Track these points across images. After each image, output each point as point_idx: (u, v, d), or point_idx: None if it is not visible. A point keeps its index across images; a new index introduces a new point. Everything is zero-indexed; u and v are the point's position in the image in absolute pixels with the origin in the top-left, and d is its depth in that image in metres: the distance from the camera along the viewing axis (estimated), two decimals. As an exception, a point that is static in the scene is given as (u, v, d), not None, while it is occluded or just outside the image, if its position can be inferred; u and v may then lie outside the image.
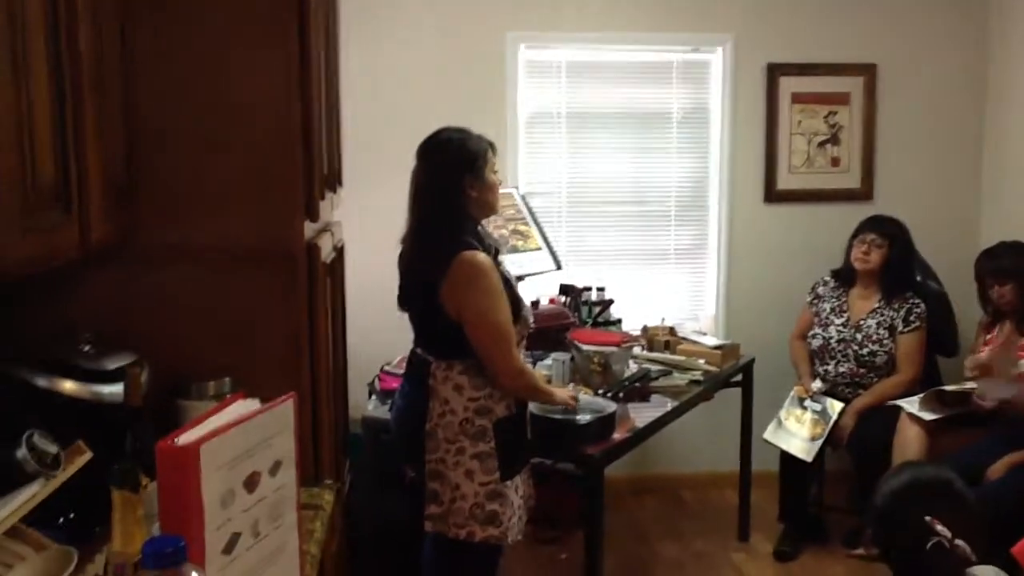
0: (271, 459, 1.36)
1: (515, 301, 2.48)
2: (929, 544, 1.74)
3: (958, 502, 1.86)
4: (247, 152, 1.87)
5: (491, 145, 2.52)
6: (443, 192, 2.43)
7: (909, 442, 3.44)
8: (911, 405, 3.50)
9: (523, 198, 3.82)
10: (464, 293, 2.37)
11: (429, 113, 4.00)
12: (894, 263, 3.80)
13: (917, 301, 3.79)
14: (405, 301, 2.56)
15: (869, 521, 1.91)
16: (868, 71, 4.39)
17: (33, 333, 1.77)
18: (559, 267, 3.72)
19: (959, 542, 1.73)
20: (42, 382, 1.55)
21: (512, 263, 3.43)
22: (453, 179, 2.43)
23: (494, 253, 2.50)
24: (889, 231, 3.83)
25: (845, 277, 3.94)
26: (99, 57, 1.57)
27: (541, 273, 3.69)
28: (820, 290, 4.01)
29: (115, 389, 1.59)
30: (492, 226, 3.41)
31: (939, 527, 1.74)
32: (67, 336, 1.73)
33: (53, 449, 1.40)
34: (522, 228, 3.69)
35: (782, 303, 4.27)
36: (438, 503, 2.48)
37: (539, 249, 3.67)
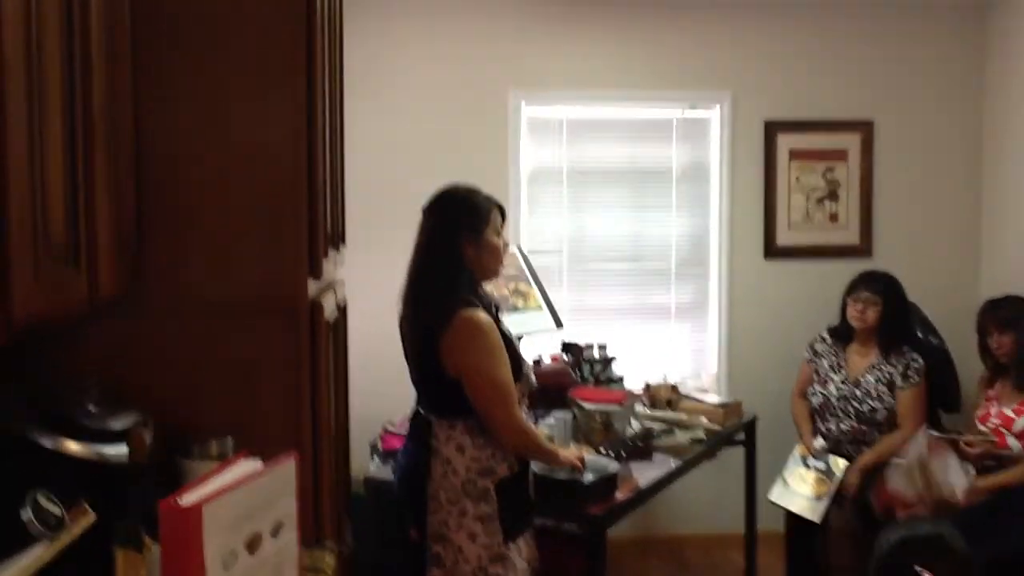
0: (273, 520, 1.36)
1: (516, 359, 2.47)
2: None
3: (948, 553, 1.87)
4: (252, 207, 1.88)
5: (500, 207, 2.54)
6: (441, 248, 2.45)
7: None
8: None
9: (524, 257, 3.84)
10: (464, 352, 2.36)
11: (432, 170, 4.05)
12: (890, 319, 3.81)
13: (915, 356, 3.79)
14: (407, 358, 2.56)
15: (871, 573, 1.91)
16: (865, 128, 4.45)
17: (36, 385, 1.78)
18: (559, 326, 3.73)
19: None
20: (47, 442, 1.54)
21: (513, 323, 3.44)
22: (451, 236, 2.44)
23: (494, 310, 2.51)
24: (882, 288, 3.83)
25: (842, 334, 3.94)
26: (111, 114, 1.60)
27: (541, 332, 3.70)
28: (818, 347, 4.01)
29: (119, 450, 1.59)
30: (492, 285, 3.44)
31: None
32: (71, 391, 1.72)
33: (57, 511, 1.39)
34: (523, 288, 3.71)
35: (783, 359, 4.26)
36: (440, 567, 2.45)
37: (539, 308, 3.68)
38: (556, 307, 3.78)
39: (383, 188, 4.06)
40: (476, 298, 2.44)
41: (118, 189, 1.64)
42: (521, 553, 2.50)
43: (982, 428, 3.56)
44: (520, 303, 3.64)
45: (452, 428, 2.45)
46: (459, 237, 2.44)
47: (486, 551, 2.42)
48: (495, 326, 2.42)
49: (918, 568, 1.76)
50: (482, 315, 2.38)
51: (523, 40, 4.25)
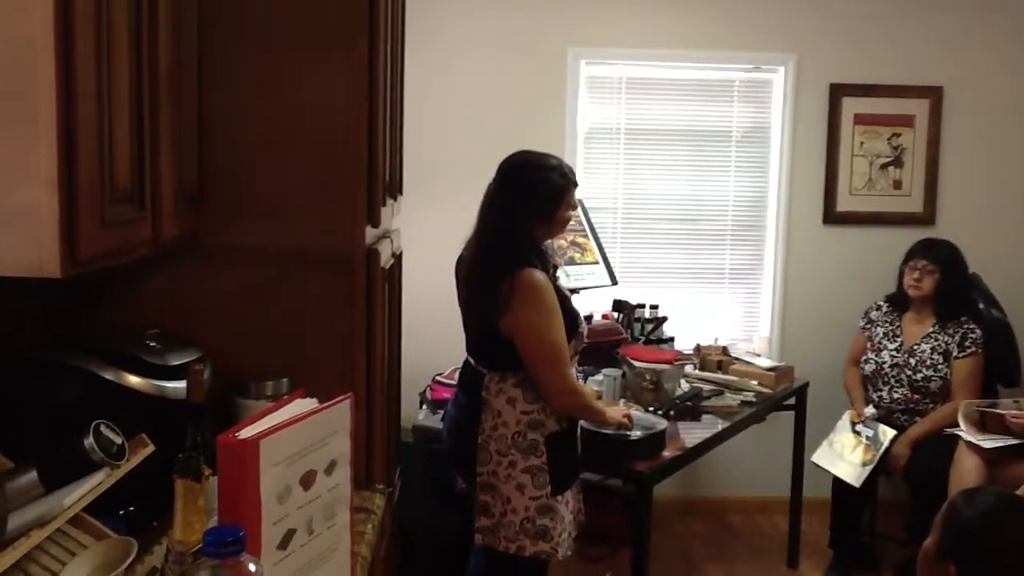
0: (327, 458, 1.39)
1: (571, 318, 2.47)
2: None
3: None
4: (312, 158, 1.91)
5: (574, 180, 2.50)
6: (511, 224, 2.43)
7: (967, 472, 3.36)
8: (969, 434, 3.42)
9: (584, 211, 3.82)
10: (519, 311, 2.36)
11: (489, 125, 4.08)
12: (947, 288, 3.73)
13: (973, 326, 3.71)
14: (462, 308, 2.57)
15: (947, 544, 1.83)
16: (934, 93, 4.33)
17: (102, 326, 1.83)
18: (614, 283, 3.71)
19: None
20: (109, 375, 1.59)
21: (568, 275, 3.44)
22: (523, 217, 2.43)
23: (552, 269, 2.50)
24: (940, 256, 3.75)
25: (899, 302, 3.88)
26: (176, 69, 1.63)
27: (596, 288, 3.69)
28: (873, 315, 3.95)
29: (178, 385, 1.63)
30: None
31: None
32: (133, 331, 1.77)
33: (118, 440, 1.44)
34: (581, 240, 3.69)
35: (838, 327, 4.21)
36: (489, 516, 2.49)
37: (596, 263, 3.67)
38: (612, 264, 3.76)
39: (440, 141, 4.06)
40: (536, 257, 2.43)
41: (181, 140, 1.67)
42: (568, 506, 2.53)
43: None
44: (577, 255, 3.63)
45: (503, 381, 2.47)
46: (530, 218, 2.44)
47: (534, 502, 2.44)
48: (552, 286, 2.42)
49: None
50: (539, 275, 2.37)
51: (584, -4, 4.19)
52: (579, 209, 3.76)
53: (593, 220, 3.96)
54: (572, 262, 3.57)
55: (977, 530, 1.79)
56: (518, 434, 2.45)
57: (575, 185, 2.51)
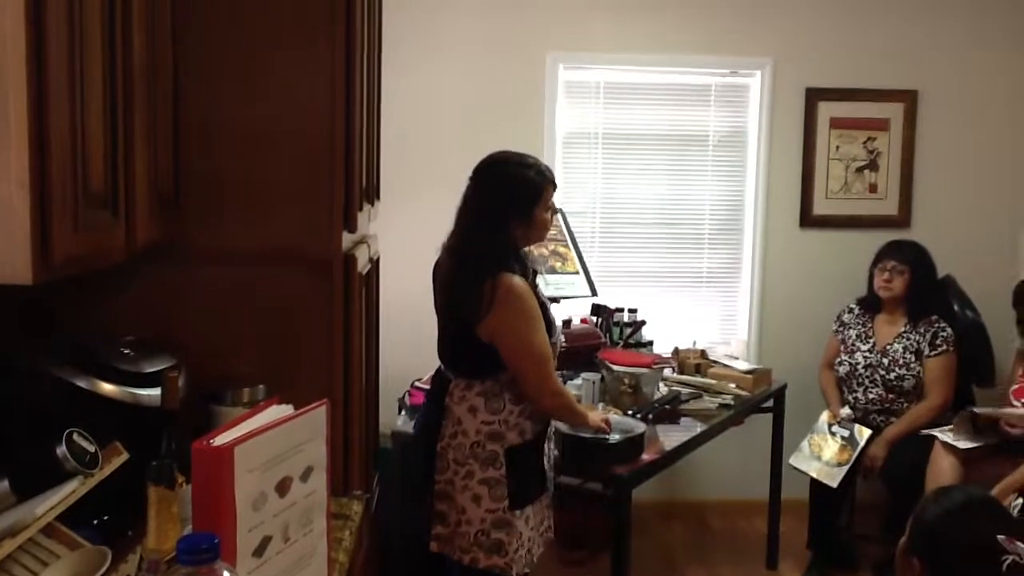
0: (303, 465, 1.38)
1: (548, 324, 2.46)
2: (1005, 563, 1.69)
3: (1011, 522, 1.81)
4: (289, 161, 1.90)
5: (552, 179, 2.48)
6: (488, 225, 2.40)
7: (943, 471, 3.38)
8: (945, 434, 3.45)
9: (565, 220, 3.82)
10: (501, 316, 2.34)
11: (468, 130, 4.07)
12: (917, 288, 3.77)
13: (943, 325, 3.75)
14: (438, 313, 2.56)
15: (916, 543, 1.84)
16: (909, 97, 4.37)
17: (75, 332, 1.81)
18: (594, 293, 3.72)
19: None
20: (82, 383, 1.58)
21: (548, 284, 3.44)
22: (500, 218, 2.39)
23: (532, 275, 2.49)
24: (909, 256, 3.79)
25: (870, 304, 3.91)
26: (151, 68, 1.62)
27: (576, 298, 3.70)
28: (845, 318, 3.98)
29: (153, 392, 1.62)
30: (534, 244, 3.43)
31: (1018, 544, 1.68)
32: (107, 338, 1.76)
33: (91, 448, 1.42)
34: (562, 250, 3.69)
35: (815, 329, 4.23)
36: (444, 524, 2.46)
37: (576, 273, 3.67)
38: (591, 273, 3.76)
39: (418, 146, 4.06)
40: (516, 263, 2.41)
41: (156, 141, 1.66)
42: (528, 522, 2.47)
43: (1015, 403, 3.52)
44: (558, 265, 3.63)
45: (468, 389, 2.44)
46: (508, 218, 2.40)
47: (490, 515, 2.40)
48: (532, 292, 2.40)
49: (1001, 537, 1.69)
50: (519, 280, 2.35)
51: (562, 2, 4.20)
52: (559, 218, 3.77)
53: (572, 224, 3.96)
54: (553, 271, 3.58)
55: (941, 527, 1.81)
56: (477, 444, 2.41)
57: (553, 184, 2.48)
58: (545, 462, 2.56)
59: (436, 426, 2.47)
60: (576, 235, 3.91)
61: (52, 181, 1.17)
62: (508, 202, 2.40)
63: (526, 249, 2.52)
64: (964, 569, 1.76)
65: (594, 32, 4.22)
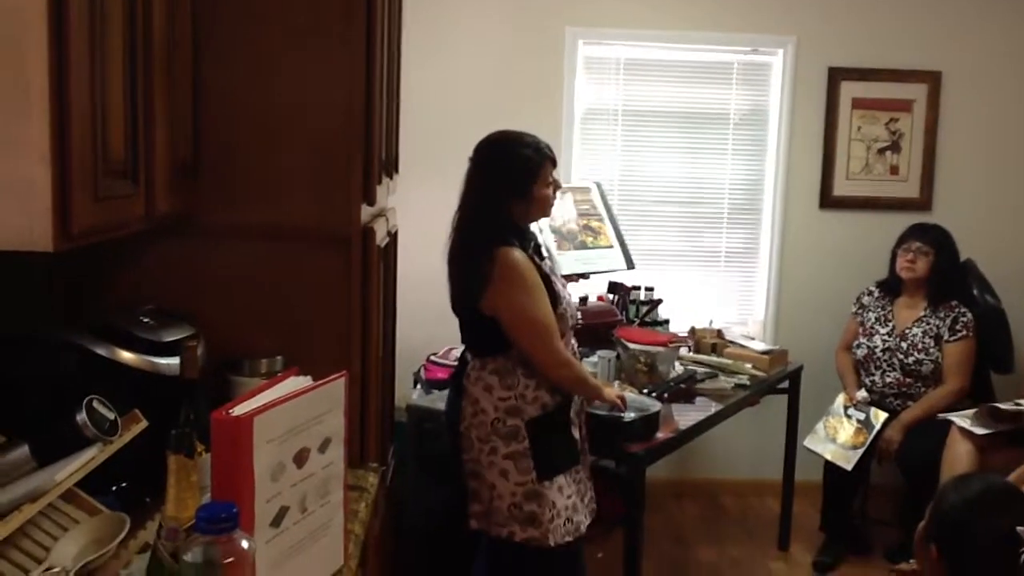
0: (321, 436, 1.38)
1: (553, 296, 2.47)
2: (1023, 555, 1.68)
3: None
4: (308, 135, 1.89)
5: (550, 156, 2.49)
6: (486, 203, 2.44)
7: (959, 457, 3.36)
8: (962, 420, 3.43)
9: (602, 193, 3.78)
10: (500, 290, 2.37)
11: (486, 104, 4.05)
12: (940, 271, 3.74)
13: (964, 310, 3.73)
14: (451, 298, 2.58)
15: (933, 531, 1.84)
16: (932, 78, 4.31)
17: (95, 303, 1.82)
18: (631, 266, 3.65)
19: None
20: (102, 351, 1.58)
21: (578, 260, 3.43)
22: (497, 197, 2.43)
23: (533, 248, 2.50)
24: (934, 239, 3.77)
25: (890, 287, 3.89)
26: (171, 42, 1.61)
27: (610, 272, 3.67)
28: (865, 300, 3.96)
29: (172, 361, 1.62)
30: (563, 220, 3.42)
31: None
32: (127, 307, 1.77)
33: (111, 415, 1.43)
34: (595, 224, 3.65)
35: (833, 311, 4.21)
36: (479, 502, 2.51)
37: (610, 247, 3.63)
38: (628, 246, 3.72)
39: (437, 120, 4.04)
40: (516, 237, 2.43)
41: (176, 114, 1.66)
42: (563, 491, 2.50)
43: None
44: (590, 240, 3.60)
45: (483, 368, 2.47)
46: (505, 196, 2.43)
47: (520, 488, 2.44)
48: (531, 263, 2.42)
49: (1021, 528, 1.68)
50: (517, 253, 2.38)
51: (584, -25, 4.16)
52: (595, 191, 3.74)
53: (589, 199, 3.93)
54: (584, 246, 3.55)
55: (958, 516, 1.80)
56: (497, 420, 2.44)
57: (552, 161, 2.50)
58: (575, 432, 2.58)
59: (457, 407, 2.50)
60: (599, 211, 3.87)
61: (72, 154, 1.18)
62: (506, 178, 2.43)
63: (528, 228, 2.53)
64: (981, 559, 1.75)
65: (614, 6, 4.18)
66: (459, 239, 2.48)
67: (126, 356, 1.61)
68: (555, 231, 3.45)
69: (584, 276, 3.45)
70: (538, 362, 2.43)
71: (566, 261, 3.37)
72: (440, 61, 4.10)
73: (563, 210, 3.52)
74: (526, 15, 4.15)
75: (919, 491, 3.21)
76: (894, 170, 4.38)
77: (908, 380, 3.74)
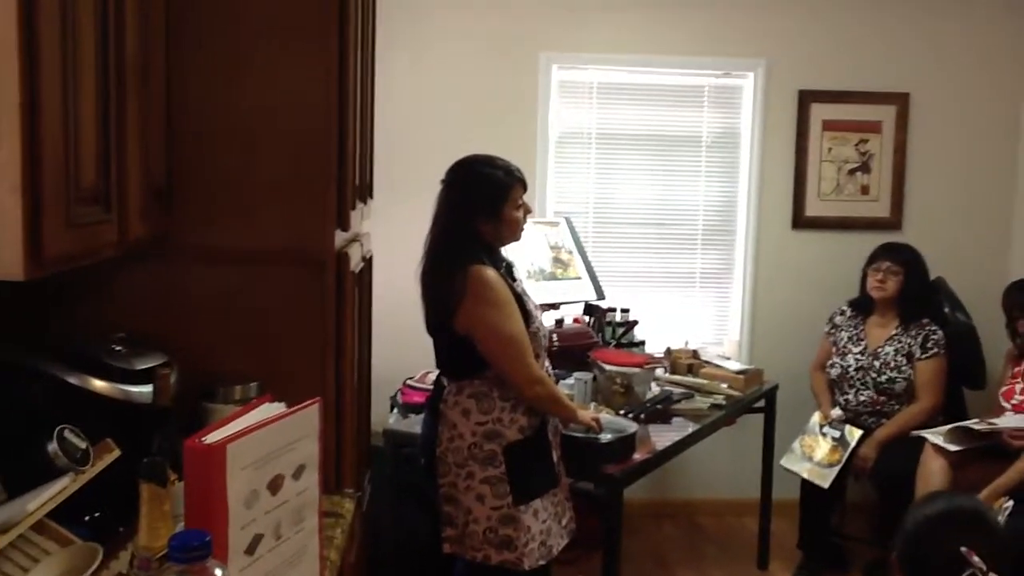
0: (295, 463, 1.38)
1: (526, 315, 2.48)
2: (964, 575, 1.70)
3: (991, 534, 1.83)
4: (282, 159, 1.89)
5: (520, 179, 2.52)
6: (456, 226, 2.47)
7: (933, 474, 3.39)
8: (935, 436, 3.46)
9: (571, 227, 3.85)
10: (472, 306, 2.38)
11: (461, 129, 4.07)
12: (910, 290, 3.79)
13: (935, 328, 3.77)
14: (425, 319, 2.58)
15: (898, 547, 1.87)
16: (901, 100, 4.38)
17: (67, 330, 1.81)
18: (601, 296, 3.73)
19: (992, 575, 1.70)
20: (73, 379, 1.57)
21: (550, 290, 3.48)
22: (467, 217, 2.46)
23: (506, 268, 2.51)
24: (904, 258, 3.81)
25: (862, 306, 3.93)
26: (144, 63, 1.61)
27: (580, 302, 3.72)
28: (837, 320, 3.99)
29: (144, 389, 1.61)
30: (531, 254, 3.47)
31: (975, 558, 1.70)
32: (99, 335, 1.75)
33: (83, 445, 1.42)
34: (565, 257, 3.73)
35: (807, 330, 4.24)
36: (453, 526, 2.50)
37: (578, 278, 3.70)
38: (598, 278, 3.78)
39: (411, 144, 4.05)
40: (487, 257, 2.45)
41: (149, 139, 1.66)
42: (539, 515, 2.50)
43: (1005, 405, 3.54)
44: (559, 272, 3.66)
45: (460, 393, 2.47)
46: (475, 216, 2.46)
47: (496, 512, 2.44)
48: (503, 281, 2.43)
49: (964, 549, 1.71)
50: (489, 271, 2.40)
51: (556, 2, 4.20)
52: (564, 227, 3.79)
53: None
54: (553, 278, 3.61)
55: (915, 535, 1.83)
56: (474, 445, 2.45)
57: (522, 184, 2.53)
58: (554, 455, 2.58)
59: (434, 431, 2.50)
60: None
61: (44, 182, 1.17)
62: (476, 199, 2.47)
63: (500, 251, 2.55)
64: None
65: (588, 32, 4.23)
66: (431, 258, 2.50)
67: (98, 384, 1.60)
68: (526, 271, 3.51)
69: (554, 306, 3.50)
70: (512, 379, 2.44)
71: (535, 292, 3.41)
72: (415, 86, 4.12)
73: (533, 246, 3.58)
74: (500, 41, 4.18)
75: (893, 508, 3.23)
76: (864, 190, 4.44)
77: (881, 398, 3.77)
